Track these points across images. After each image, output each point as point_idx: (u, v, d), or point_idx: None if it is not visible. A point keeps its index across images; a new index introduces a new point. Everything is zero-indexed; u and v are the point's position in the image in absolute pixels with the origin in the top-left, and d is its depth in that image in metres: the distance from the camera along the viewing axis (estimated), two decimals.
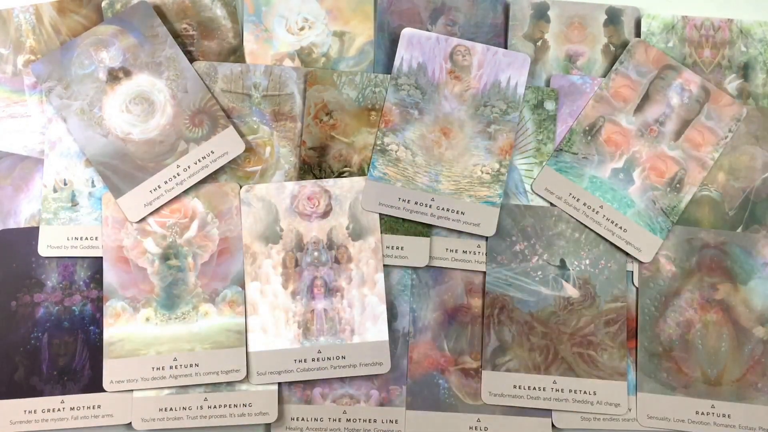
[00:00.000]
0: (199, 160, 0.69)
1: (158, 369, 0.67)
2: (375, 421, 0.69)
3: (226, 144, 0.69)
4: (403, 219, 0.70)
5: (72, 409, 0.68)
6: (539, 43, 0.73)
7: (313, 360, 0.68)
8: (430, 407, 0.69)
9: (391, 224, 0.70)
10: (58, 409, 0.68)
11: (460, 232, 0.70)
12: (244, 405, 0.68)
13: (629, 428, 0.69)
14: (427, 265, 0.70)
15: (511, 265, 0.70)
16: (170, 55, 0.70)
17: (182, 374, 0.67)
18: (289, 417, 0.69)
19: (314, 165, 0.71)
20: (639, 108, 0.71)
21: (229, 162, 0.70)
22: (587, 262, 0.70)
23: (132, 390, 0.68)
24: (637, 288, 0.70)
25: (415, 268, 0.70)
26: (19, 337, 0.68)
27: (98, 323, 0.68)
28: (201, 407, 0.68)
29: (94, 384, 0.68)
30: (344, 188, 0.70)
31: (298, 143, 0.71)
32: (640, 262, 0.70)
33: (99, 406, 0.68)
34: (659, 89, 0.71)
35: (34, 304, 0.69)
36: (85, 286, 0.69)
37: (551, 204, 0.71)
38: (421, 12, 0.73)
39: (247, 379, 0.68)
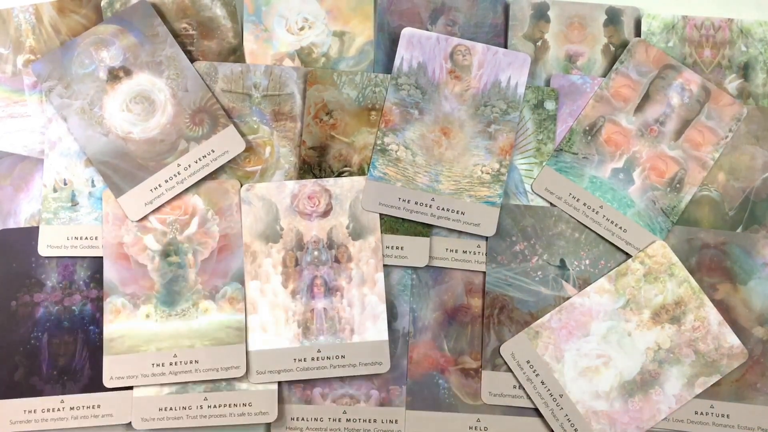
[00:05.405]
0: (200, 159, 0.69)
1: (158, 365, 0.67)
2: (375, 421, 0.68)
3: (227, 143, 0.69)
4: (403, 219, 0.70)
5: (72, 408, 0.67)
6: (539, 43, 0.73)
7: (312, 359, 0.68)
8: (429, 407, 0.69)
9: (391, 224, 0.70)
10: (58, 409, 0.67)
11: (460, 232, 0.70)
12: (244, 404, 0.68)
13: None
14: (427, 265, 0.70)
15: (511, 265, 0.70)
16: (170, 55, 0.70)
17: (182, 371, 0.67)
18: (289, 417, 0.68)
19: (314, 165, 0.71)
20: (639, 108, 0.71)
21: (229, 162, 0.70)
22: (587, 262, 0.70)
23: (132, 386, 0.68)
24: None
25: (415, 268, 0.70)
26: (19, 337, 0.68)
27: (98, 323, 0.68)
28: (201, 407, 0.68)
29: (93, 384, 0.68)
30: (344, 188, 0.70)
31: (298, 143, 0.71)
32: None
33: (99, 406, 0.68)
34: (659, 89, 0.71)
35: (33, 304, 0.69)
36: (84, 285, 0.69)
37: (551, 204, 0.71)
38: (421, 12, 0.73)
39: (246, 377, 0.68)
